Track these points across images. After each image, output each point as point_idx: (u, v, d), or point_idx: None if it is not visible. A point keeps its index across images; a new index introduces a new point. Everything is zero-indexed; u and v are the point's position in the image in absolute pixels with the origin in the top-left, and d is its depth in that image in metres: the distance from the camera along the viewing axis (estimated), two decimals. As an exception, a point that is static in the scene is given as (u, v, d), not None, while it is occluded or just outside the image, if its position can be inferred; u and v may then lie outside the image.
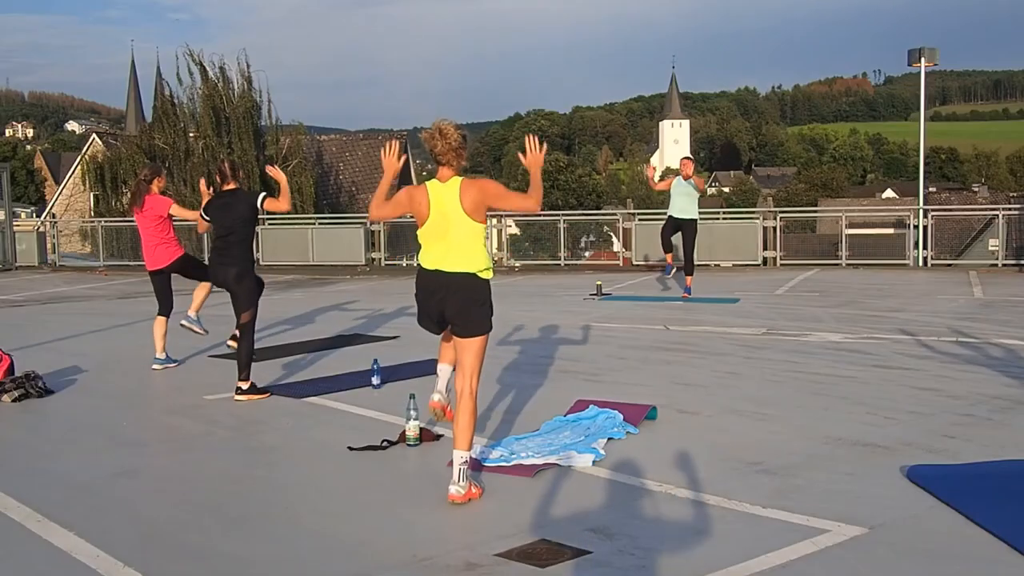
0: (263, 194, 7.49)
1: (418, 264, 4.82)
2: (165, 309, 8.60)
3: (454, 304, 4.69)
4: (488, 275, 4.74)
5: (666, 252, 13.41)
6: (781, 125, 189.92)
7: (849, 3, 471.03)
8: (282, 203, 7.43)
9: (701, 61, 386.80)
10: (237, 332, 7.42)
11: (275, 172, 7.64)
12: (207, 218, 7.52)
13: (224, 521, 4.50)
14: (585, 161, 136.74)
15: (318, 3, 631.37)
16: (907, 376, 7.50)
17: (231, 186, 7.44)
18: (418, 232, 4.77)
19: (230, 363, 7.62)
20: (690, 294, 13.13)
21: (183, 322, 8.41)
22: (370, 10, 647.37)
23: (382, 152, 5.16)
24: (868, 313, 11.42)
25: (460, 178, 4.68)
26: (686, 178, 12.92)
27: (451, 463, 4.71)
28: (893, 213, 31.30)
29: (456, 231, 4.66)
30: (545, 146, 4.88)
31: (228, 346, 7.83)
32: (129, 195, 8.62)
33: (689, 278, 13.19)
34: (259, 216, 7.53)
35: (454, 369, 4.91)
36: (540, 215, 27.57)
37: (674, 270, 13.16)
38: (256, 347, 8.70)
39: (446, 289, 4.69)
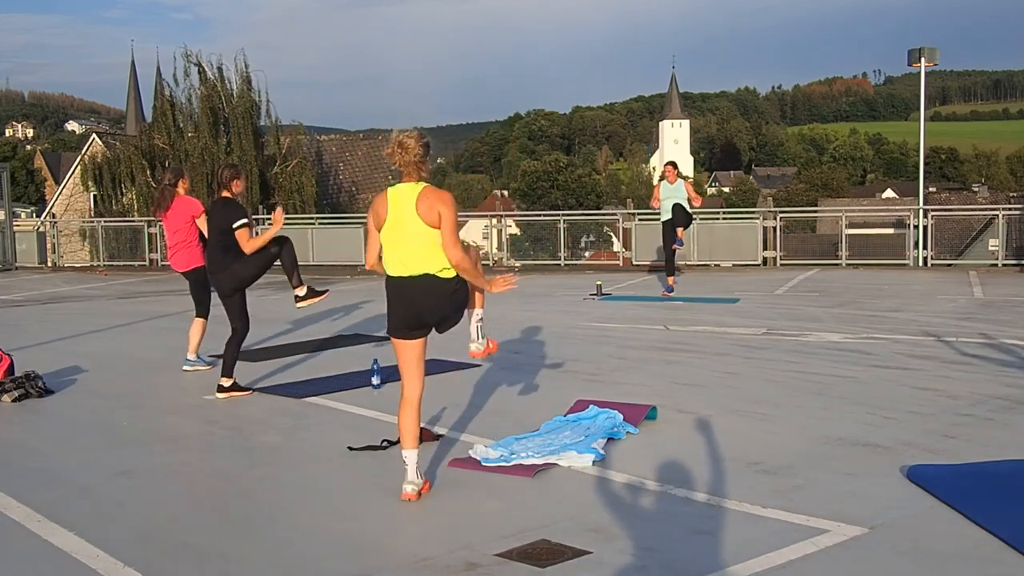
0: (243, 221, 7.12)
1: (385, 271, 4.76)
2: (201, 311, 8.36)
3: (426, 307, 4.63)
4: (449, 275, 4.62)
5: (669, 275, 13.77)
6: (781, 125, 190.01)
7: (849, 3, 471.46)
8: (250, 243, 7.11)
9: (701, 61, 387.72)
10: (300, 293, 7.37)
11: (277, 220, 7.33)
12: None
13: (224, 521, 4.50)
14: (585, 161, 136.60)
15: (318, 3, 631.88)
16: (907, 376, 7.50)
17: (223, 194, 7.37)
18: (380, 236, 4.69)
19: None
20: (681, 245, 13.71)
21: (185, 367, 8.29)
22: (370, 10, 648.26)
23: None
24: (868, 313, 11.42)
25: (423, 184, 4.57)
26: (672, 182, 13.39)
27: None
28: (893, 213, 31.28)
29: (410, 233, 4.54)
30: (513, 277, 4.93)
31: (296, 297, 7.44)
32: (155, 200, 8.37)
33: (680, 230, 13.51)
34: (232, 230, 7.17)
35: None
36: (540, 215, 27.63)
37: (674, 292, 13.50)
38: (255, 347, 8.74)
39: (413, 293, 4.61)
